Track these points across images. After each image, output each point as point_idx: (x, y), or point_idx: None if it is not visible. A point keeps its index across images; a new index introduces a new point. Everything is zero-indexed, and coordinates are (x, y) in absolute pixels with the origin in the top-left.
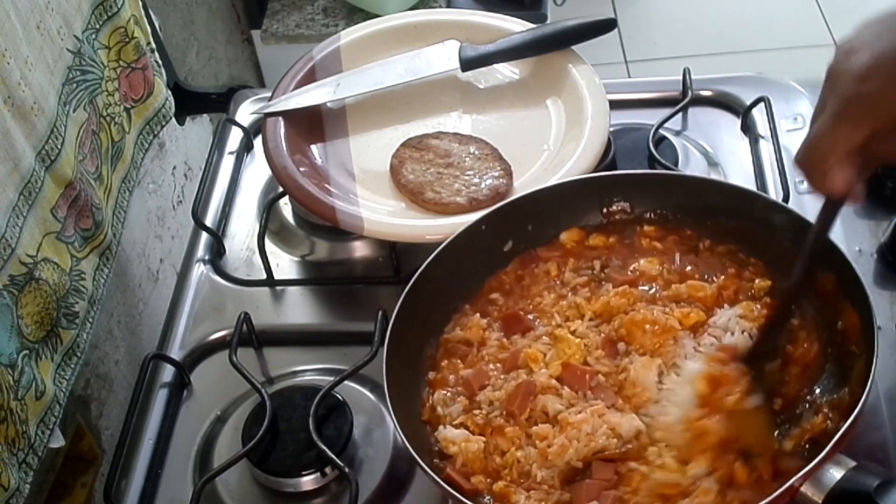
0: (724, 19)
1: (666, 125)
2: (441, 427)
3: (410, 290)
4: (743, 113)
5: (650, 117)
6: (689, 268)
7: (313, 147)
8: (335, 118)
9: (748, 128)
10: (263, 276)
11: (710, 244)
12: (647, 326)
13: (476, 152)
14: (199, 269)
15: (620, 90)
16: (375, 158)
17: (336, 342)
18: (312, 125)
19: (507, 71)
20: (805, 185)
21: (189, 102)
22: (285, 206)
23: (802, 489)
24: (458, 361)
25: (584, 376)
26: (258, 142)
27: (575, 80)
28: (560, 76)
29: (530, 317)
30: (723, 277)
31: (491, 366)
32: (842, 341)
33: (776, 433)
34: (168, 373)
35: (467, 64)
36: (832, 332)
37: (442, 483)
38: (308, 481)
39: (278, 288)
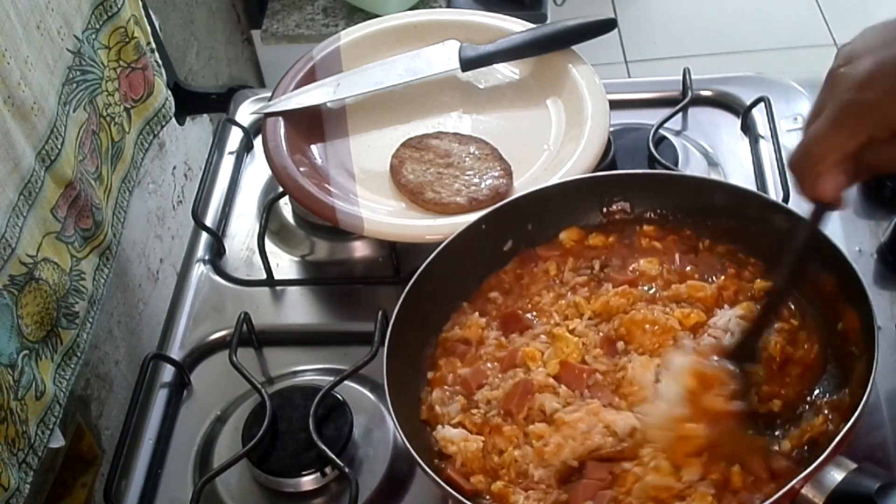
0: (724, 19)
1: (666, 125)
2: (440, 426)
3: (410, 289)
4: (743, 113)
5: (650, 117)
6: (688, 268)
7: (313, 147)
8: (335, 118)
9: (748, 128)
10: (263, 276)
11: (709, 244)
12: (647, 326)
13: (476, 152)
14: (199, 269)
15: (620, 90)
16: (375, 158)
17: (336, 342)
18: (312, 125)
19: (507, 71)
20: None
21: (189, 102)
22: (285, 206)
23: (803, 491)
24: (457, 360)
25: (582, 375)
26: (258, 142)
27: (575, 80)
28: (560, 76)
29: (529, 316)
30: (723, 278)
31: (489, 365)
32: (842, 342)
33: (776, 433)
34: (168, 373)
35: (467, 64)
36: (832, 333)
37: (442, 484)
38: (308, 481)
39: (278, 288)
